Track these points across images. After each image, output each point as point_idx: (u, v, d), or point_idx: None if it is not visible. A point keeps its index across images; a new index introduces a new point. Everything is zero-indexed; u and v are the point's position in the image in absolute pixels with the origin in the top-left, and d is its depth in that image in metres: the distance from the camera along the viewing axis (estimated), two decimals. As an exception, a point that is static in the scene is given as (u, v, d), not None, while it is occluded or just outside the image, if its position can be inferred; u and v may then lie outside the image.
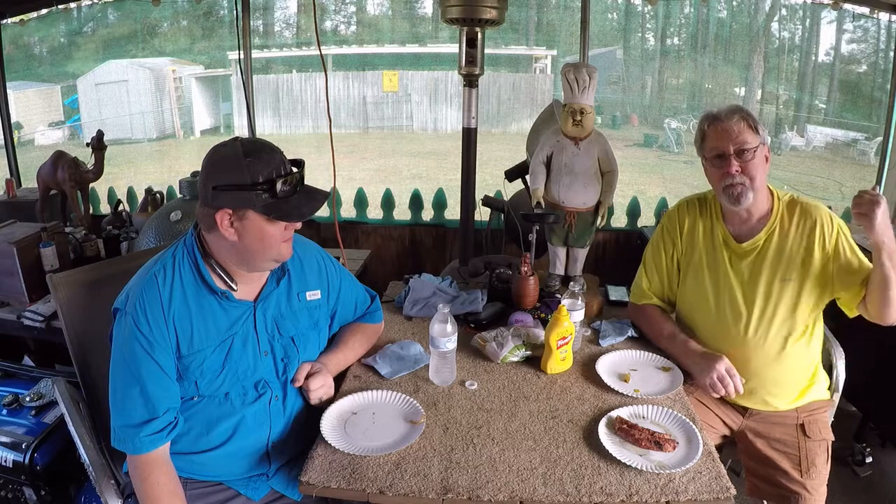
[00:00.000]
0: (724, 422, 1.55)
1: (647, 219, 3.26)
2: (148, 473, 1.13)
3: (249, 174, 1.12)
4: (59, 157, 2.89)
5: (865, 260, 1.40)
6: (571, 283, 1.86)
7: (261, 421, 1.27)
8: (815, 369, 1.52)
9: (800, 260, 1.43)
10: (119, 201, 2.87)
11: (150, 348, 1.15)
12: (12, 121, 3.73)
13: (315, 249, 1.42)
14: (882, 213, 1.27)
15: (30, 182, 3.44)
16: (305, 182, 1.21)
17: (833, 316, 1.52)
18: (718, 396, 1.45)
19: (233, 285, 1.22)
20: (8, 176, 3.42)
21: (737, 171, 1.40)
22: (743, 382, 1.40)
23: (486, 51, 2.36)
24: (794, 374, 1.49)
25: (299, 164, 1.20)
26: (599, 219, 1.82)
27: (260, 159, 1.13)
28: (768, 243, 1.46)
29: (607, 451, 1.14)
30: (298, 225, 1.22)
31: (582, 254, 1.88)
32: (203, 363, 1.20)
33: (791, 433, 1.48)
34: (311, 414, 1.29)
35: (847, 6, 3.03)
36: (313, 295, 1.36)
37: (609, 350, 1.55)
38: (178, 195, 2.33)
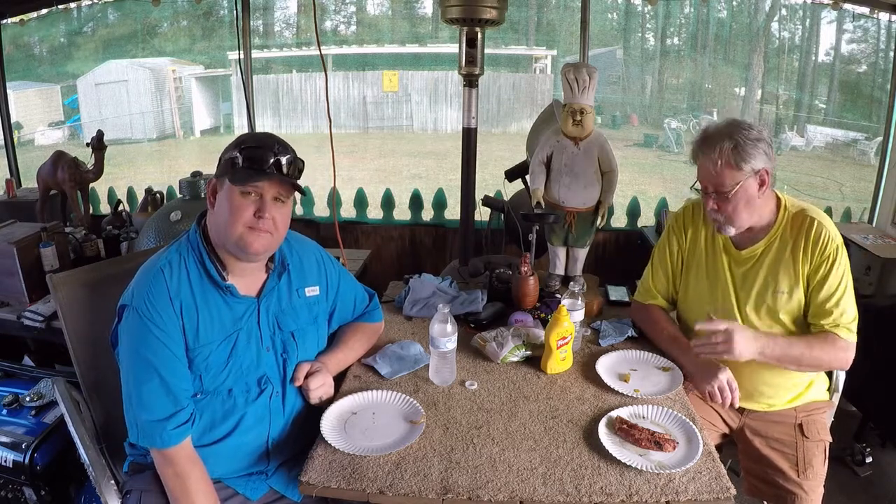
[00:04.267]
0: (723, 419, 1.55)
1: (647, 219, 3.26)
2: (177, 465, 1.15)
3: (236, 144, 1.20)
4: (59, 157, 2.89)
5: (831, 299, 1.38)
6: (571, 283, 1.86)
7: (261, 417, 1.27)
8: (814, 373, 1.52)
9: (794, 274, 1.41)
10: (119, 201, 2.87)
11: (163, 336, 1.16)
12: (12, 121, 3.73)
13: (314, 247, 1.43)
14: (741, 342, 1.30)
15: (30, 182, 3.44)
16: (300, 180, 1.25)
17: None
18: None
19: (225, 275, 1.23)
20: (8, 176, 3.42)
21: (712, 208, 1.40)
22: (739, 396, 1.40)
23: (486, 51, 2.36)
24: (791, 377, 1.48)
25: (294, 158, 1.23)
26: (599, 219, 1.82)
27: (257, 138, 1.22)
28: (766, 254, 1.45)
29: (607, 451, 1.14)
30: (268, 219, 1.18)
31: (582, 254, 1.89)
32: (208, 357, 1.21)
33: (789, 433, 1.48)
34: (311, 413, 1.30)
35: (847, 6, 3.03)
36: (312, 291, 1.37)
37: (609, 350, 1.55)
38: (178, 195, 2.33)
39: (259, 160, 1.18)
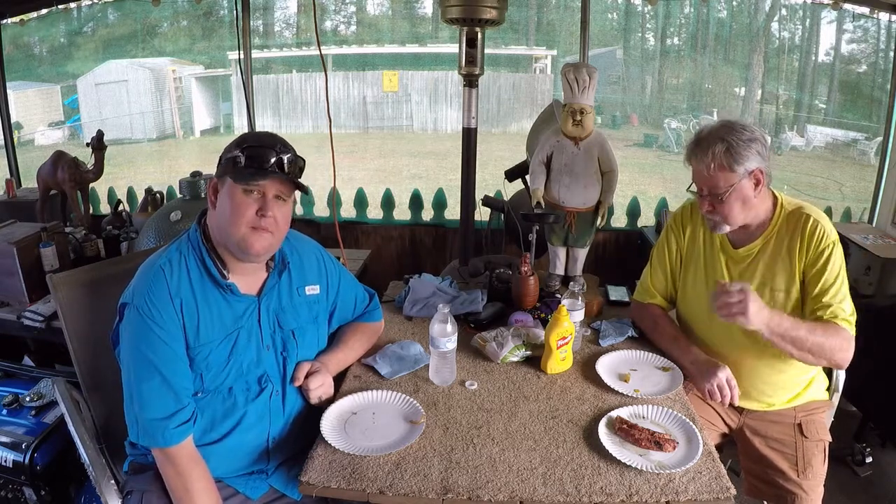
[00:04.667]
0: (723, 419, 1.56)
1: (647, 219, 3.26)
2: (178, 465, 1.15)
3: (237, 143, 1.20)
4: (59, 157, 2.89)
5: (827, 292, 1.36)
6: (571, 283, 1.86)
7: (261, 416, 1.27)
8: (813, 372, 1.52)
9: (790, 272, 1.42)
10: (119, 201, 2.87)
11: (164, 335, 1.16)
12: (12, 121, 3.73)
13: (314, 246, 1.43)
14: (754, 304, 1.25)
15: (30, 182, 3.45)
16: (301, 180, 1.25)
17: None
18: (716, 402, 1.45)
19: (225, 273, 1.23)
20: (8, 176, 3.42)
21: (707, 211, 1.41)
22: (738, 394, 1.40)
23: (486, 51, 2.36)
24: (789, 376, 1.49)
25: (295, 157, 1.23)
26: (599, 219, 1.82)
27: (257, 137, 1.22)
28: (763, 252, 1.45)
29: (607, 451, 1.14)
30: (270, 217, 1.19)
31: (582, 254, 1.89)
32: (209, 356, 1.21)
33: (788, 432, 1.48)
34: (311, 412, 1.30)
35: (847, 6, 3.03)
36: (312, 290, 1.37)
37: (609, 350, 1.55)
38: (178, 195, 2.33)
39: (261, 159, 1.18)
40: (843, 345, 1.34)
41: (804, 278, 1.41)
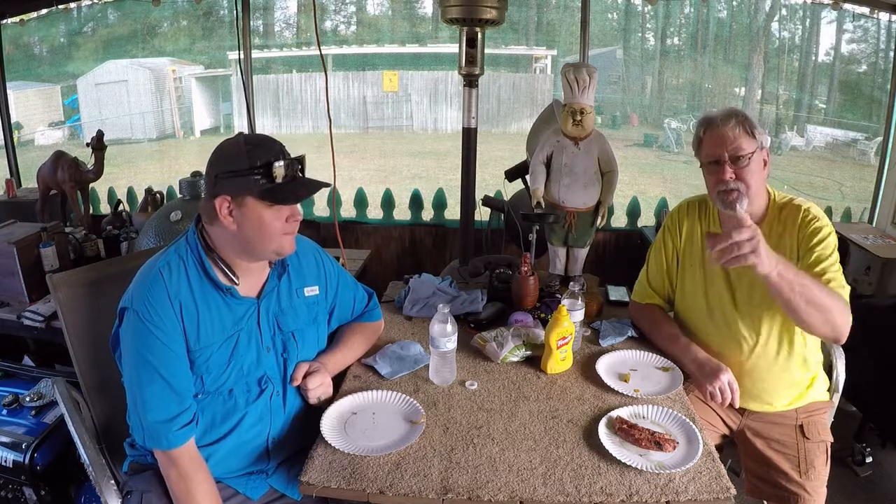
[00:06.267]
0: (723, 420, 1.55)
1: (647, 219, 3.27)
2: (181, 466, 1.15)
3: (248, 160, 1.14)
4: (59, 157, 2.89)
5: (821, 264, 1.36)
6: (571, 283, 1.85)
7: (261, 416, 1.27)
8: (814, 372, 1.52)
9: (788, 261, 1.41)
10: (119, 201, 2.87)
11: (164, 337, 1.16)
12: (12, 121, 3.73)
13: (312, 247, 1.43)
14: (764, 246, 1.19)
15: (30, 182, 3.45)
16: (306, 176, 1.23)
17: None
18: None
19: (235, 279, 1.23)
20: (8, 176, 3.42)
21: (731, 178, 1.39)
22: (739, 396, 1.40)
23: (486, 51, 2.36)
24: (791, 377, 1.49)
25: (300, 157, 1.22)
26: (599, 219, 1.82)
27: (260, 147, 1.17)
28: None
29: (607, 451, 1.14)
30: (299, 217, 1.22)
31: (582, 254, 1.89)
32: (210, 358, 1.21)
33: (790, 434, 1.48)
34: (311, 412, 1.30)
35: (847, 6, 3.03)
36: (311, 291, 1.37)
37: (609, 350, 1.55)
38: (178, 195, 2.33)
39: (286, 174, 1.16)
40: (842, 308, 1.31)
41: (799, 261, 1.40)
